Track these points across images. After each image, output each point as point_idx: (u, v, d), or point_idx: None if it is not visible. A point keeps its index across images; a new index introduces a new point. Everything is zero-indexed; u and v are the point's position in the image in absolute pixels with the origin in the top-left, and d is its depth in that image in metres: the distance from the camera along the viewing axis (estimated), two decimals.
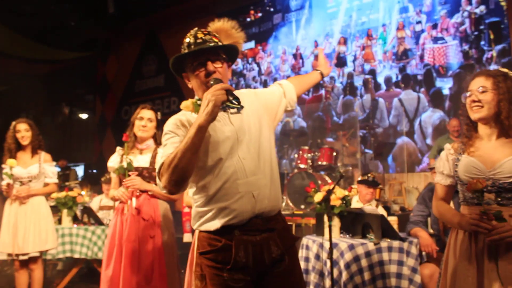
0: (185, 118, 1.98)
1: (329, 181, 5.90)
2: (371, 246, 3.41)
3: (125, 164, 3.43)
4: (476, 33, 6.95)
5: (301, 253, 3.72)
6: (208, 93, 1.78)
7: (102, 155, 11.28)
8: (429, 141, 7.30)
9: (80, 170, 12.02)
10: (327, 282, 3.40)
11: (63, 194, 5.32)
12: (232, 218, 1.88)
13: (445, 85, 7.21)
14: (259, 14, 9.67)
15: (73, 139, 13.45)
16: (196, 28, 2.03)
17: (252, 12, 9.73)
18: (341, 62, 8.42)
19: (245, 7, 9.66)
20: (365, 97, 8.01)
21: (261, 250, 1.90)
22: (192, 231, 5.58)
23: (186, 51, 1.98)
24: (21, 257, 4.27)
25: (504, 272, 2.03)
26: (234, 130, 1.94)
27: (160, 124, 3.62)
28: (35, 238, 4.28)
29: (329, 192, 3.47)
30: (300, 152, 6.45)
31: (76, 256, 5.18)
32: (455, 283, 2.17)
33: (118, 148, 3.64)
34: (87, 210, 5.52)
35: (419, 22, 7.57)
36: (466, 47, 7.03)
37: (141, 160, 3.51)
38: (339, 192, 3.68)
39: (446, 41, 7.25)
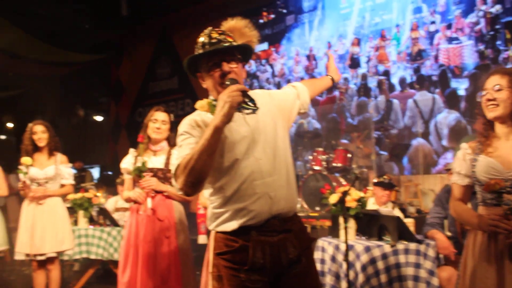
0: (200, 119, 1.98)
1: (344, 182, 5.87)
2: (387, 248, 3.38)
3: (140, 165, 3.45)
4: (491, 32, 6.86)
5: (317, 255, 3.69)
6: (224, 94, 1.77)
7: (117, 157, 11.34)
8: (444, 142, 7.22)
9: (95, 172, 12.11)
10: (343, 284, 3.38)
11: (79, 195, 5.37)
12: (249, 219, 1.88)
13: (461, 86, 7.13)
14: (272, 16, 9.66)
15: (88, 141, 13.56)
16: (210, 28, 2.02)
17: (264, 13, 9.73)
18: (354, 63, 8.38)
19: (258, 8, 9.66)
20: (379, 98, 7.95)
21: (278, 251, 1.90)
22: (207, 233, 5.61)
23: (201, 51, 1.97)
24: (39, 258, 4.32)
25: None
26: (249, 130, 1.94)
27: (173, 126, 3.65)
28: (52, 239, 4.32)
29: (345, 193, 3.45)
30: (315, 153, 6.43)
31: (92, 257, 5.22)
32: (474, 285, 2.14)
33: (132, 150, 3.67)
34: (103, 211, 5.56)
35: (433, 22, 7.50)
36: (481, 47, 6.95)
37: (155, 161, 3.54)
38: (355, 194, 3.66)
39: (461, 41, 7.17)
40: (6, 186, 5.09)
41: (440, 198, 3.93)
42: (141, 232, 3.39)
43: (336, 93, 8.53)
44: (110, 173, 11.64)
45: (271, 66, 9.61)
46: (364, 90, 8.09)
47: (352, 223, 3.67)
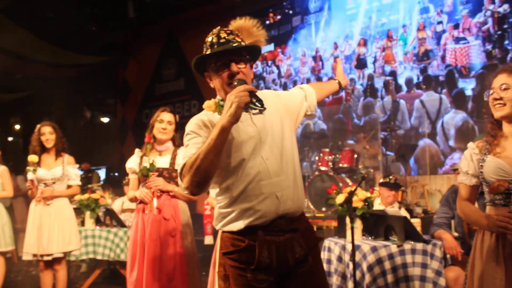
0: (207, 119, 1.98)
1: (350, 183, 5.86)
2: (394, 248, 3.37)
3: (148, 165, 3.48)
4: (499, 32, 6.83)
5: (323, 255, 3.69)
6: (231, 95, 1.77)
7: (124, 158, 11.33)
8: (451, 142, 7.19)
9: (102, 173, 12.15)
10: (350, 285, 3.37)
11: (85, 196, 5.39)
12: (256, 219, 1.88)
13: (468, 86, 7.10)
14: (278, 17, 9.67)
15: (94, 142, 13.62)
16: (219, 27, 2.02)
17: (271, 14, 9.74)
18: (361, 63, 8.36)
19: (264, 9, 9.66)
20: (386, 99, 7.93)
21: (285, 250, 1.90)
22: (213, 234, 5.62)
23: (209, 50, 1.97)
24: (46, 258, 4.34)
25: None
26: (256, 131, 1.94)
27: (179, 127, 3.68)
28: (59, 239, 4.34)
29: (351, 193, 3.45)
30: (321, 154, 6.42)
31: (99, 257, 5.23)
32: (483, 285, 2.13)
33: (137, 150, 3.70)
34: (110, 212, 5.58)
35: (440, 23, 7.47)
36: (489, 46, 6.92)
37: (160, 161, 3.58)
38: (361, 194, 3.65)
39: (468, 41, 7.14)
40: (11, 187, 5.14)
41: (447, 198, 3.92)
42: (147, 231, 3.42)
43: (343, 94, 8.52)
44: (116, 174, 11.69)
45: (278, 67, 9.62)
46: (370, 90, 8.07)
47: (358, 223, 3.67)
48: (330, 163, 6.23)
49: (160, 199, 3.48)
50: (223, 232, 1.98)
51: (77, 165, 4.67)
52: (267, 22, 9.67)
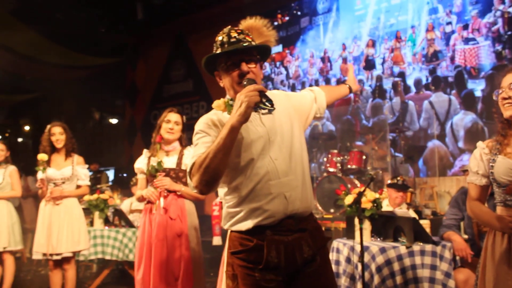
0: (217, 118, 1.98)
1: (359, 184, 5.84)
2: (403, 249, 3.36)
3: (156, 165, 3.52)
4: (509, 33, 6.77)
5: (332, 256, 3.68)
6: (241, 94, 1.77)
7: (132, 159, 11.36)
8: (461, 144, 7.14)
9: (110, 174, 12.21)
10: (359, 286, 3.35)
11: (95, 196, 5.42)
12: (264, 219, 1.88)
13: (477, 87, 7.05)
14: (287, 18, 9.66)
15: (103, 143, 13.69)
16: (229, 26, 2.03)
17: (279, 16, 9.74)
18: (369, 64, 8.33)
19: (273, 11, 9.66)
20: (394, 100, 7.89)
21: (293, 250, 1.89)
22: (222, 234, 5.62)
23: (219, 49, 1.97)
24: (55, 257, 4.37)
25: None
26: (265, 130, 1.94)
27: (186, 128, 3.72)
28: (68, 239, 4.38)
29: (360, 194, 3.44)
30: (329, 155, 6.41)
31: (107, 257, 5.26)
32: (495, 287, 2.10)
33: (145, 151, 3.75)
34: (119, 213, 5.61)
35: (449, 23, 7.43)
36: (499, 47, 6.86)
37: (167, 161, 3.62)
38: (370, 195, 3.64)
39: (478, 42, 7.09)
40: (20, 187, 5.19)
41: (457, 199, 3.89)
42: (153, 231, 3.46)
43: (351, 95, 8.48)
44: (125, 175, 11.74)
45: (286, 68, 9.61)
46: (379, 91, 8.03)
47: (367, 224, 3.65)
48: (338, 165, 6.22)
49: (167, 199, 3.52)
50: (232, 231, 1.98)
51: (87, 165, 4.71)
52: (275, 23, 9.67)
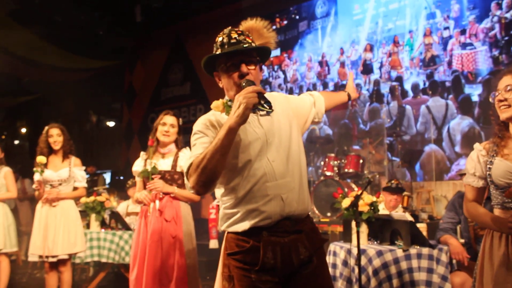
0: (215, 119, 1.98)
1: (356, 188, 5.84)
2: (399, 252, 3.36)
3: (149, 168, 3.54)
4: (506, 38, 6.80)
5: (329, 259, 3.68)
6: (240, 95, 1.77)
7: (129, 162, 11.37)
8: (457, 148, 7.16)
9: (107, 177, 12.18)
10: None
11: (91, 199, 5.40)
12: (261, 220, 1.88)
13: (474, 92, 7.07)
14: (285, 22, 9.68)
15: (100, 146, 13.67)
16: (229, 27, 2.03)
17: (277, 19, 9.76)
18: (367, 69, 8.35)
19: (271, 15, 9.67)
20: (392, 104, 7.91)
21: (289, 251, 1.89)
22: (218, 238, 5.62)
23: (219, 50, 1.97)
24: (51, 259, 4.35)
25: None
26: (263, 132, 1.94)
27: (183, 131, 3.75)
28: (64, 241, 4.36)
29: (357, 197, 3.44)
30: (326, 159, 6.42)
31: (104, 260, 5.24)
32: None
33: (142, 153, 3.78)
34: (115, 215, 5.59)
35: (446, 28, 7.46)
36: (496, 52, 6.89)
37: (163, 164, 3.64)
38: (367, 198, 3.64)
39: (475, 47, 7.12)
40: (15, 188, 5.18)
41: (453, 203, 3.90)
42: (149, 233, 3.49)
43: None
44: (121, 178, 11.71)
45: (284, 72, 9.62)
46: (376, 96, 8.05)
47: (364, 228, 3.66)
48: (335, 168, 6.22)
49: (162, 201, 3.54)
50: (228, 232, 1.98)
51: (84, 167, 4.70)
52: (274, 27, 9.65)
